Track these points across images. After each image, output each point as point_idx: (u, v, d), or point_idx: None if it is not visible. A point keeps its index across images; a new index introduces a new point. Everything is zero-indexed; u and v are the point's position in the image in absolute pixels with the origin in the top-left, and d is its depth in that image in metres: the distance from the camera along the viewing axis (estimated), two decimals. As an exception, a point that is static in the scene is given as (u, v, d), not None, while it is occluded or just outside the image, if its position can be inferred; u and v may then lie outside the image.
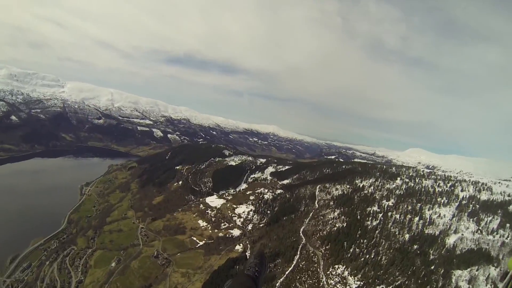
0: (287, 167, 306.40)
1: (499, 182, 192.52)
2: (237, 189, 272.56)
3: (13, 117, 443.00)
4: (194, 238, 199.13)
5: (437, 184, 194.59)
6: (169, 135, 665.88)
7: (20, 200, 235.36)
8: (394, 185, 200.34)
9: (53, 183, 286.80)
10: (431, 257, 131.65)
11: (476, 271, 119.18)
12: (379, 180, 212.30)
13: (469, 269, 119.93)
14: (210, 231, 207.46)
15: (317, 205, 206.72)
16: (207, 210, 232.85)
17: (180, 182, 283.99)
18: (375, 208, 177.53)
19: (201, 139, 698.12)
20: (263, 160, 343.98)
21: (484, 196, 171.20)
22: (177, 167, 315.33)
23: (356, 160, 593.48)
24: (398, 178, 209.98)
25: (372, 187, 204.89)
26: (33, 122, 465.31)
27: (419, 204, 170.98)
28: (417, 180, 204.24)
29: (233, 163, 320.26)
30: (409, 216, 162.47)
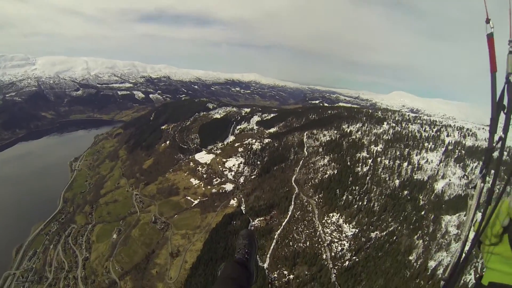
0: (272, 115, 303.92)
1: (483, 128, 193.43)
2: (225, 142, 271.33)
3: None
4: (189, 198, 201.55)
5: (423, 129, 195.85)
6: (150, 95, 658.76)
7: (12, 188, 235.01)
8: (381, 130, 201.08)
9: (41, 165, 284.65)
10: (421, 202, 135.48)
11: (464, 216, 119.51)
12: (366, 125, 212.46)
13: (457, 215, 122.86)
14: (203, 189, 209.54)
15: (306, 153, 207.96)
16: (198, 167, 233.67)
17: (168, 142, 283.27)
18: (364, 153, 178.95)
19: (183, 95, 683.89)
20: (248, 110, 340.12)
21: (469, 142, 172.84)
22: (163, 127, 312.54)
23: (340, 104, 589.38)
24: (385, 123, 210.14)
25: (359, 132, 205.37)
26: (10, 107, 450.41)
27: (407, 149, 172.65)
28: (403, 125, 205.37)
29: (218, 116, 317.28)
30: (397, 161, 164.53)
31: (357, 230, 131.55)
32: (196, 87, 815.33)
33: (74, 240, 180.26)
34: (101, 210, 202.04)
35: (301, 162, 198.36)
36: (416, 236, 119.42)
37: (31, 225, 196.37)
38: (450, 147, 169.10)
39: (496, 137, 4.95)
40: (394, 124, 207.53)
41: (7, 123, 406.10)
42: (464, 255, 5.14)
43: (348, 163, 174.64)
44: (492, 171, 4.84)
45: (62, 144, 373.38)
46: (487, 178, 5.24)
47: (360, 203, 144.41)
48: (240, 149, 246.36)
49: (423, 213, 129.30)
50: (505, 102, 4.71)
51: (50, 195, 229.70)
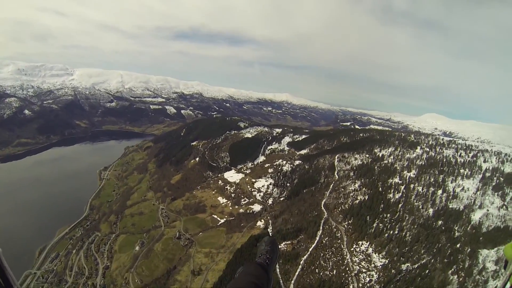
0: (304, 136, 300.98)
1: None
2: (255, 162, 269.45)
3: (26, 111, 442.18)
4: (215, 216, 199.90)
5: (459, 154, 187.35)
6: (182, 111, 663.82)
7: (42, 190, 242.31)
8: (414, 155, 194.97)
9: (72, 170, 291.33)
10: (457, 234, 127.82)
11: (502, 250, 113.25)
12: (399, 149, 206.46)
13: (496, 249, 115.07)
14: (231, 208, 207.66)
15: (337, 176, 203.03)
16: (226, 186, 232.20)
17: (197, 159, 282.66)
18: (397, 179, 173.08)
19: (215, 112, 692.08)
20: (279, 130, 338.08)
21: (508, 168, 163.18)
22: (193, 143, 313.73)
23: (372, 126, 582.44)
24: (418, 147, 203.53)
25: (392, 157, 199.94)
26: (46, 113, 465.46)
27: (441, 176, 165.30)
28: (437, 149, 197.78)
29: (249, 135, 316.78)
30: (432, 188, 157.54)
31: (387, 261, 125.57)
32: (228, 105, 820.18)
33: (96, 247, 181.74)
34: (126, 221, 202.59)
35: (331, 186, 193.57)
36: (450, 271, 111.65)
37: (56, 228, 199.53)
38: (487, 174, 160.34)
39: None
40: (427, 149, 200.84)
41: (43, 128, 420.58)
42: None
43: (380, 189, 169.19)
44: None
45: (93, 152, 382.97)
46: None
47: (391, 232, 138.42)
48: (270, 170, 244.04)
49: (458, 245, 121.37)
50: None
51: (77, 200, 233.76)
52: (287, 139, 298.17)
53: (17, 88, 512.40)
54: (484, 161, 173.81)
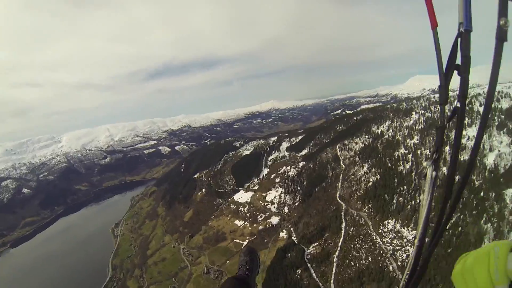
0: (300, 137, 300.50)
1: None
2: (261, 177, 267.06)
3: (25, 190, 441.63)
4: (237, 240, 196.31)
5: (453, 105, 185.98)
6: (176, 147, 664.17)
7: (59, 263, 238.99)
8: (412, 121, 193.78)
9: (84, 236, 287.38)
10: (476, 183, 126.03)
11: None
12: (395, 120, 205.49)
13: None
14: (250, 228, 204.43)
15: (343, 166, 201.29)
16: (239, 207, 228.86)
17: (204, 190, 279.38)
18: (402, 150, 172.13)
19: (208, 140, 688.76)
20: (275, 138, 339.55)
21: (505, 104, 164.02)
22: (195, 176, 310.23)
23: (362, 107, 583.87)
24: (413, 112, 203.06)
25: (390, 130, 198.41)
26: (44, 186, 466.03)
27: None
28: (432, 108, 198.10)
29: (247, 152, 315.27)
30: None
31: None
32: (218, 129, 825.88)
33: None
34: (151, 271, 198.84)
35: (341, 176, 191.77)
36: (482, 221, 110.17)
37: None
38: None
39: (448, 109, 3.91)
40: (422, 111, 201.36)
41: (44, 202, 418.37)
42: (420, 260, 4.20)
43: (389, 164, 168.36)
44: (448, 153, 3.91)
45: (101, 212, 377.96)
46: (441, 163, 4.19)
47: (413, 202, 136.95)
48: (277, 180, 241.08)
49: (482, 194, 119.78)
50: (458, 61, 3.50)
51: (98, 264, 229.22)
52: (284, 144, 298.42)
53: (10, 169, 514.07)
54: (480, 105, 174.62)
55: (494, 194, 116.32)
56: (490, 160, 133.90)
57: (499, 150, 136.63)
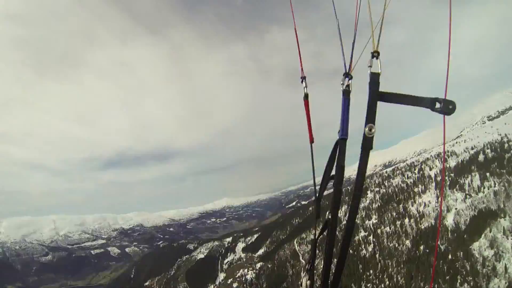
0: (256, 236, 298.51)
1: (456, 143, 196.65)
2: (217, 282, 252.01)
3: None
4: None
5: (406, 176, 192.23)
6: (127, 249, 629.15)
7: None
8: (368, 201, 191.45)
9: None
10: (442, 248, 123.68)
11: (490, 232, 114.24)
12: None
13: (483, 234, 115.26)
14: None
15: (303, 261, 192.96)
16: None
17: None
18: (362, 234, 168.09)
19: (160, 242, 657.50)
20: (230, 239, 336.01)
21: (452, 162, 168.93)
22: (146, 284, 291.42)
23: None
24: (368, 191, 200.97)
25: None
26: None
27: (400, 205, 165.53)
28: (386, 184, 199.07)
29: (202, 255, 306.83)
30: (398, 222, 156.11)
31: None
32: (172, 229, 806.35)
33: None
34: None
35: (302, 274, 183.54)
36: (458, 283, 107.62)
37: None
38: (438, 178, 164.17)
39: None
40: (377, 188, 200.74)
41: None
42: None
43: (351, 251, 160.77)
44: None
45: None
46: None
47: (382, 285, 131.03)
48: (234, 285, 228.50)
49: (450, 256, 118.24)
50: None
51: None
52: (240, 245, 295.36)
53: None
54: (430, 169, 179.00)
55: (462, 252, 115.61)
56: (449, 220, 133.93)
57: (456, 208, 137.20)
